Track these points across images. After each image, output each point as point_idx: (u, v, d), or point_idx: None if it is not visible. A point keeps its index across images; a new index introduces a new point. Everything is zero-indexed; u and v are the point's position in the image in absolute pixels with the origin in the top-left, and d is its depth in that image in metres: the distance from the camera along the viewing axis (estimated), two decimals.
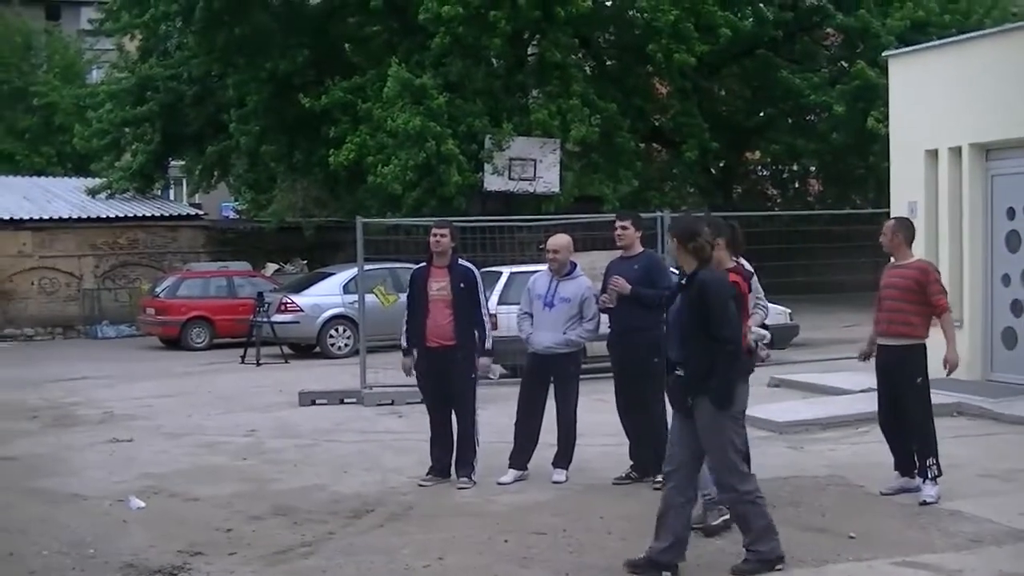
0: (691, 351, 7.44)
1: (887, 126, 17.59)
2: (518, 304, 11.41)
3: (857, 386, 13.97)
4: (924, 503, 9.05)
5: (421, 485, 10.35)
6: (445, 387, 10.55)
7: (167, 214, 36.10)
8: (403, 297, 11.40)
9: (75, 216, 34.27)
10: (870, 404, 10.73)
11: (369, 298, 17.38)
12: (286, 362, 22.83)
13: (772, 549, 7.43)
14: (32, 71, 47.98)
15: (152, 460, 12.19)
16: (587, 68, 33.07)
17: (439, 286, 10.47)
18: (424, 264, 10.71)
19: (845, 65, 31.76)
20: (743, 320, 8.59)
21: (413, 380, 11.18)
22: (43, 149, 46.08)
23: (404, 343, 10.73)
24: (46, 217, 33.78)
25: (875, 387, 9.91)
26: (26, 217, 33.44)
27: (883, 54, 18.22)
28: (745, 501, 7.44)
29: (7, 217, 33.17)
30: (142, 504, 9.92)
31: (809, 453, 11.46)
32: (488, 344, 10.54)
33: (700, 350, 7.35)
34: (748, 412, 9.53)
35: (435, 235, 10.53)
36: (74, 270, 33.69)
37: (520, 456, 10.46)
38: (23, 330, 32.69)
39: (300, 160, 32.86)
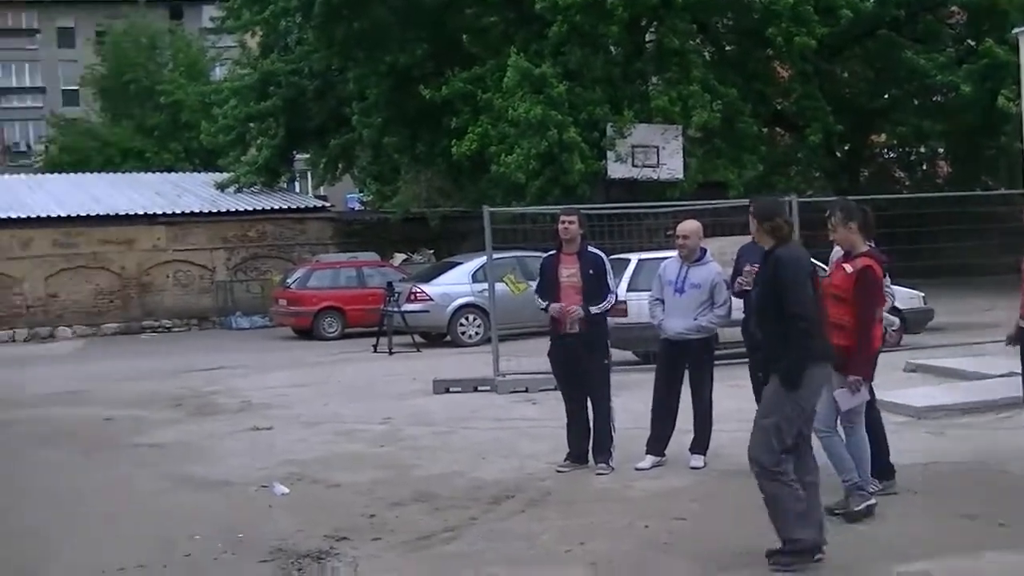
0: (766, 329, 7.41)
1: (1019, 105, 17.22)
2: (647, 291, 11.45)
3: (997, 370, 13.68)
4: None
5: (559, 471, 10.40)
6: (579, 373, 10.61)
7: (294, 207, 36.75)
8: (533, 285, 11.52)
9: (206, 210, 35.11)
10: (1012, 389, 10.56)
11: (499, 286, 17.50)
12: (418, 351, 23.07)
13: (809, 537, 7.19)
14: (158, 70, 49.27)
15: (292, 447, 12.43)
16: (706, 54, 32.87)
17: (569, 273, 10.51)
18: (554, 251, 10.77)
19: (972, 44, 31.15)
20: (878, 305, 8.52)
21: (546, 367, 11.27)
22: (171, 146, 47.22)
23: (542, 303, 10.69)
24: (178, 212, 34.64)
25: (1017, 371, 9.73)
26: (159, 212, 34.33)
27: (1013, 31, 17.84)
28: (774, 477, 7.19)
29: (142, 212, 34.09)
30: (286, 490, 10.13)
31: (950, 439, 11.25)
32: (594, 309, 10.41)
33: (774, 328, 7.29)
34: (884, 397, 9.38)
35: (563, 222, 10.58)
36: (207, 263, 34.53)
37: (657, 442, 10.48)
38: (161, 322, 33.74)
39: (423, 151, 33.19)
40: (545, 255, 11.06)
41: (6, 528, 9.12)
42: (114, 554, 8.15)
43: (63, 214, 33.66)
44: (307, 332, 28.03)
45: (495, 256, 17.57)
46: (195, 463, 11.84)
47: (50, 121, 54.30)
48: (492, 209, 17.56)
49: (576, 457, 10.54)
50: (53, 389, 19.01)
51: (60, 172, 42.87)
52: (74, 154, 48.12)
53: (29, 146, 62.02)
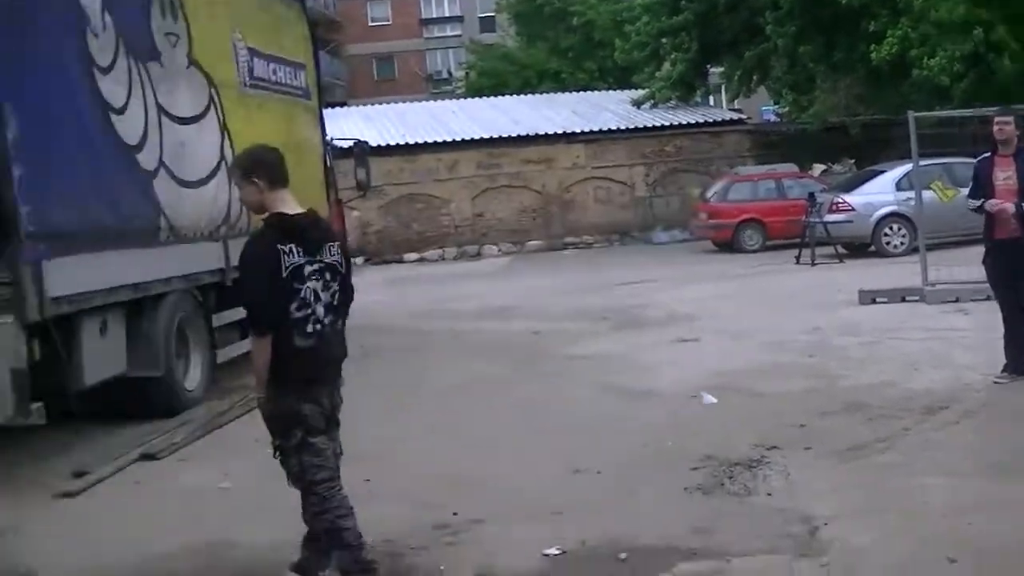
0: None
1: None
2: None
3: None
4: None
5: (996, 382, 10.04)
6: (1017, 280, 10.19)
7: (710, 120, 36.82)
8: (963, 191, 11.12)
9: (622, 127, 35.63)
10: None
11: (927, 194, 16.95)
12: (841, 262, 22.73)
13: None
14: None
15: (718, 358, 12.54)
16: None
17: (1005, 175, 10.10)
18: (988, 154, 10.37)
19: None
20: None
21: (978, 276, 10.89)
22: (586, 65, 48.15)
23: (975, 203, 10.34)
24: (596, 130, 35.37)
25: None
26: (578, 130, 35.18)
27: None
28: None
29: (560, 131, 35.05)
30: (714, 400, 10.25)
31: None
32: None
33: None
34: None
35: (998, 124, 10.18)
36: (625, 179, 35.20)
37: None
38: (582, 238, 34.70)
39: (840, 58, 32.23)
40: (978, 158, 10.65)
41: (466, 436, 9.71)
42: (550, 461, 8.47)
43: (485, 136, 35.21)
44: (728, 245, 28.15)
45: (921, 163, 16.99)
46: (622, 374, 12.13)
47: (469, 48, 56.56)
48: (917, 114, 16.95)
49: (1015, 368, 10.12)
50: (484, 304, 19.98)
51: (480, 96, 44.58)
52: (492, 78, 49.87)
53: (450, 73, 64.75)
